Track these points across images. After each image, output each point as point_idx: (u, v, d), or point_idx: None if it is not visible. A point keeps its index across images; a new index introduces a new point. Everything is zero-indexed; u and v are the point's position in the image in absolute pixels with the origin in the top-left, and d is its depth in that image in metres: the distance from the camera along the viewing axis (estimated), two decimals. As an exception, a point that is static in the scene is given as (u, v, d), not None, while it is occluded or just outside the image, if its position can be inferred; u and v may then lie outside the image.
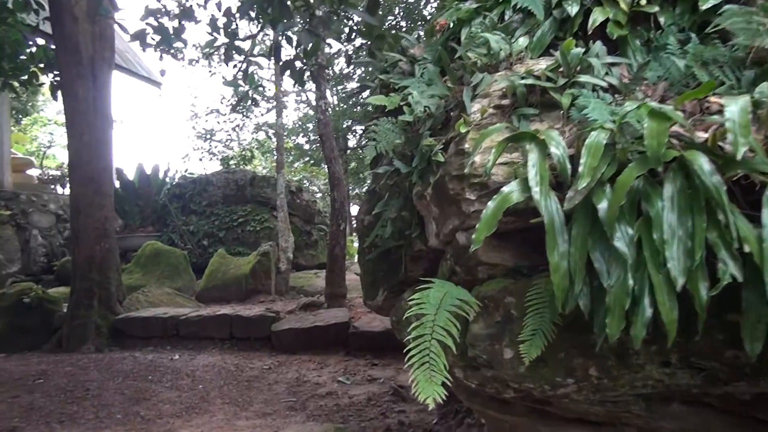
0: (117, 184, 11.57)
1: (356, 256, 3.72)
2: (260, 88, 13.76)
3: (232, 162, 14.79)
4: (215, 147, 14.31)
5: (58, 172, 14.47)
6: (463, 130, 2.20)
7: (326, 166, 7.91)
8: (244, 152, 14.90)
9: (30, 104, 20.35)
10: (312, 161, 20.44)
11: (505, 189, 1.87)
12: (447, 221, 2.31)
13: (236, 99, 12.18)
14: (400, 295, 2.86)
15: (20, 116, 19.67)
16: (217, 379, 5.12)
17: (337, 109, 21.09)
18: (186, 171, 13.36)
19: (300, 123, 18.68)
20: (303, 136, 21.65)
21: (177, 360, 5.83)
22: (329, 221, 7.80)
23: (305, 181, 16.66)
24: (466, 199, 2.16)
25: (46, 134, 22.20)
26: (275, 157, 12.49)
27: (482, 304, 2.15)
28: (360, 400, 4.60)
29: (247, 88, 6.06)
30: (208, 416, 4.23)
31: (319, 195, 19.50)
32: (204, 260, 11.39)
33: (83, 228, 7.15)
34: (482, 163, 2.04)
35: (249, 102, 6.54)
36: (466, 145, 2.19)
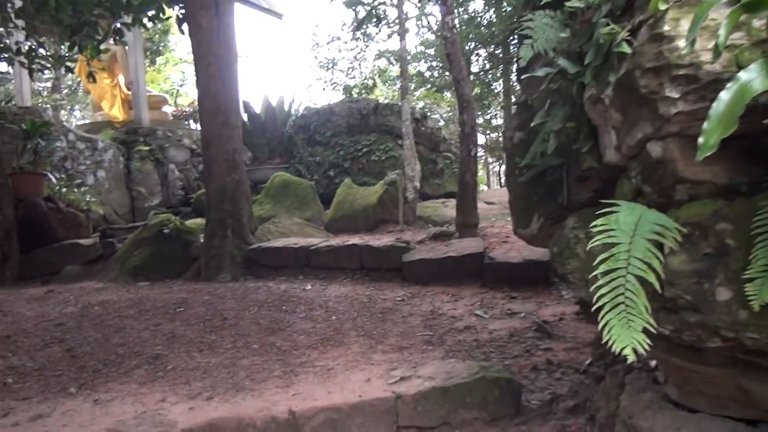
0: (245, 117, 11.72)
1: (495, 182, 3.30)
2: (382, 6, 13.29)
3: (354, 91, 14.58)
4: (337, 77, 14.15)
5: (190, 109, 14.95)
6: (662, 7, 1.67)
7: (454, 89, 7.41)
8: (366, 81, 14.63)
9: (162, 44, 21.14)
10: (434, 88, 19.83)
11: (743, 75, 1.35)
12: (634, 129, 1.82)
13: (357, 22, 11.81)
14: (560, 222, 2.42)
15: (154, 56, 20.51)
16: (350, 311, 4.97)
17: (461, 29, 20.17)
18: (310, 102, 13.29)
19: (422, 48, 18.09)
20: (425, 62, 21.01)
21: (309, 290, 5.77)
22: (458, 147, 7.34)
23: (428, 109, 16.19)
24: (666, 97, 1.66)
25: (178, 73, 23.15)
26: (398, 84, 12.11)
27: (685, 232, 1.67)
28: (501, 336, 4.26)
29: (368, 5, 5.64)
30: (344, 348, 4.07)
31: (441, 123, 19.02)
32: (330, 191, 11.38)
33: (214, 160, 7.20)
34: (696, 48, 1.52)
35: (373, 20, 6.13)
36: (666, 27, 1.66)
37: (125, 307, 5.17)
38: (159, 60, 21.48)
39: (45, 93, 21.87)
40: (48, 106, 16.37)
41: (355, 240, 6.91)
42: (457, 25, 27.82)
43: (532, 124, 2.21)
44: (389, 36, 13.52)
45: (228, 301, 5.31)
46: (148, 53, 19.46)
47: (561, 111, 2.08)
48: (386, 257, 6.19)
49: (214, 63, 7.13)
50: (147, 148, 11.67)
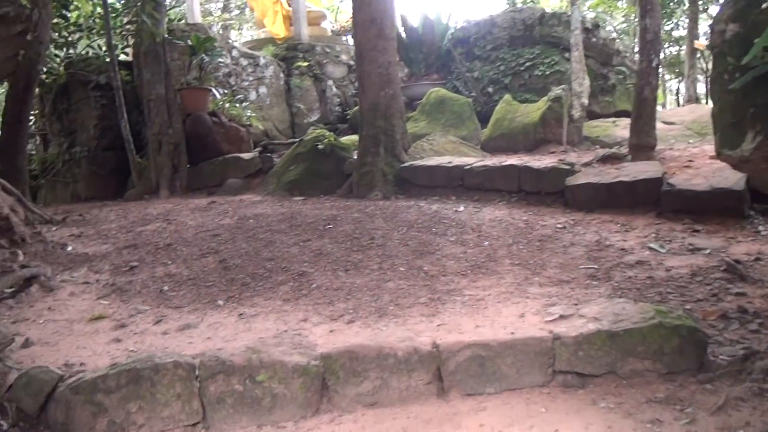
0: (401, 30, 11.32)
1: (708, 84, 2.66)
2: None
3: (518, 0, 13.48)
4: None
5: (350, 24, 14.76)
6: None
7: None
8: (531, -12, 13.48)
9: (324, -41, 20.97)
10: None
11: None
12: None
13: None
14: (790, 139, 1.84)
15: (315, -28, 20.43)
16: (505, 236, 4.58)
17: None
18: (470, 14, 12.51)
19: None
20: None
21: (462, 212, 5.44)
22: (633, 61, 6.44)
23: (600, 20, 14.58)
24: None
25: (340, -11, 23.00)
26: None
27: None
28: (681, 274, 3.67)
29: None
30: (496, 278, 3.74)
31: (614, 36, 17.38)
32: (489, 108, 10.77)
33: (367, 74, 6.95)
34: None
35: None
36: None
37: (277, 222, 5.19)
38: (320, -24, 21.40)
39: (216, 13, 22.83)
40: (218, 25, 17.02)
41: (512, 160, 6.42)
42: None
43: (765, 5, 1.62)
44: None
45: (377, 219, 5.14)
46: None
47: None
48: (547, 180, 5.67)
49: (368, -30, 6.77)
50: (306, 64, 11.73)
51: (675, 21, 27.68)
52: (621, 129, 8.76)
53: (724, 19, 2.06)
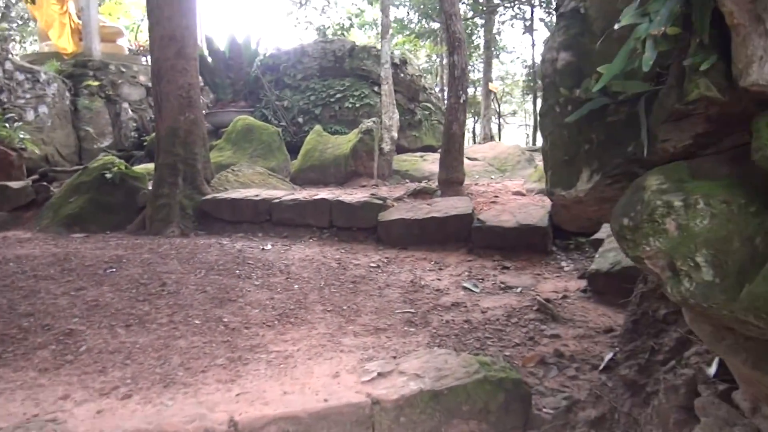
0: (206, 53, 10.67)
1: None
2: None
3: (329, 31, 13.41)
4: (310, 15, 12.89)
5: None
6: None
7: (444, 26, 6.54)
8: (342, 21, 13.45)
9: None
10: (413, 34, 18.79)
11: None
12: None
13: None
14: (626, 181, 1.66)
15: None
16: (316, 278, 4.20)
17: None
18: (280, 42, 12.18)
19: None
20: (403, 7, 19.89)
21: (269, 251, 4.97)
22: (447, 93, 6.54)
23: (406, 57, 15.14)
24: None
25: (140, 9, 21.55)
26: (375, 30, 11.11)
27: None
28: (497, 316, 3.54)
29: None
30: (307, 328, 3.32)
31: (420, 72, 18.03)
32: (299, 139, 10.51)
33: (165, 96, 6.26)
34: None
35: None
36: None
37: (46, 265, 4.32)
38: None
39: (-7, 22, 20.18)
40: (-8, 34, 14.91)
41: (324, 194, 6.10)
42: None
43: (617, 26, 1.41)
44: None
45: (171, 261, 4.49)
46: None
47: (669, 4, 1.27)
48: (360, 215, 5.42)
49: (167, -18, 6.13)
50: (97, 83, 10.55)
51: (472, 64, 29.94)
52: (429, 163, 8.92)
53: (556, 47, 1.87)
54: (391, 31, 9.47)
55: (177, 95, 6.22)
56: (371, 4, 14.98)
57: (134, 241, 5.29)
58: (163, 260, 4.50)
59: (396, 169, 8.63)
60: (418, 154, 9.53)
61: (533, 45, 24.93)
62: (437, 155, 9.25)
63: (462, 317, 3.52)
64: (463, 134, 6.45)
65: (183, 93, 6.25)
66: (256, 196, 5.94)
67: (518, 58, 28.87)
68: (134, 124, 11.04)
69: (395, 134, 8.65)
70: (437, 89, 26.09)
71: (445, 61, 24.87)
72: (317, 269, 4.40)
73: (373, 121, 8.13)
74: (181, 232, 5.63)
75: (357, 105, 10.91)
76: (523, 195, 6.53)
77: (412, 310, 3.63)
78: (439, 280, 4.30)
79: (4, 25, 19.75)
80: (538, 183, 6.85)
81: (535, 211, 4.93)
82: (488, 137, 23.84)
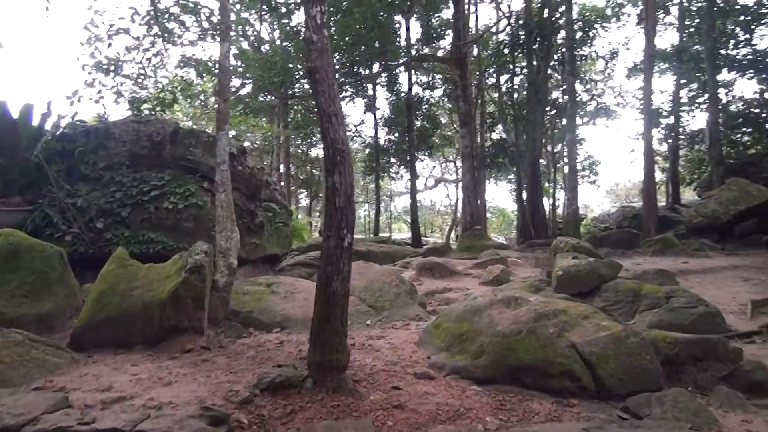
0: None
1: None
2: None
3: (145, 106, 10.69)
4: (122, 84, 10.15)
5: None
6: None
7: (320, 130, 4.44)
8: (163, 94, 10.78)
9: None
10: (248, 110, 16.59)
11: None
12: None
13: (155, 11, 8.26)
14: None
15: None
16: None
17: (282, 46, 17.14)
18: (75, 117, 9.32)
19: (240, 63, 14.74)
20: (239, 78, 17.70)
21: None
22: (324, 232, 4.33)
23: (244, 139, 12.90)
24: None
25: None
26: (215, 106, 8.68)
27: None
28: None
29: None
30: None
31: (263, 165, 15.88)
32: (98, 252, 7.71)
33: None
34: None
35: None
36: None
37: None
38: None
39: None
40: None
41: (115, 409, 3.55)
42: (277, 37, 24.76)
43: None
44: (199, 37, 10.08)
45: None
46: None
47: None
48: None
49: None
50: None
51: (309, 140, 28.14)
52: (281, 298, 6.63)
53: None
54: (230, 121, 7.18)
55: None
56: (200, 77, 12.58)
57: None
58: None
59: (236, 309, 6.20)
60: (264, 282, 7.14)
61: (375, 123, 23.87)
62: (290, 286, 6.98)
63: None
64: (347, 293, 4.30)
65: None
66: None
67: (359, 135, 27.62)
68: None
69: (234, 261, 6.27)
70: (276, 175, 23.92)
71: (282, 139, 22.88)
72: None
73: (205, 251, 5.67)
74: None
75: (180, 206, 8.35)
76: (431, 378, 4.49)
77: None
78: None
79: None
80: (446, 354, 4.85)
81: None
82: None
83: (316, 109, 4.51)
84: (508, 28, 20.51)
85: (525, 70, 20.08)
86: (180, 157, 8.80)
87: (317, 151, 27.99)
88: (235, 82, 18.81)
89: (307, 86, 22.94)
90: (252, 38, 21.86)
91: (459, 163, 36.37)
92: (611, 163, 62.95)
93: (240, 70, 18.40)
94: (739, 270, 8.91)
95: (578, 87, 21.23)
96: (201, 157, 8.80)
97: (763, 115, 19.35)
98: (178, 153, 8.80)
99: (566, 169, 26.12)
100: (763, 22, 19.20)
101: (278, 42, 22.27)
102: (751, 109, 19.90)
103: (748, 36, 19.61)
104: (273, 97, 20.38)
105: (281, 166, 24.17)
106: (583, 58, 20.14)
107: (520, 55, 19.99)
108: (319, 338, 4.25)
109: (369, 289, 6.86)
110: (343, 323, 4.29)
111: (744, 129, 20.00)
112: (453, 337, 4.96)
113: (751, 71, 19.42)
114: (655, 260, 10.41)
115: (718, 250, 11.74)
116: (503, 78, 21.63)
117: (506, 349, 4.46)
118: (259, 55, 19.21)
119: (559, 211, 22.79)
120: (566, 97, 20.04)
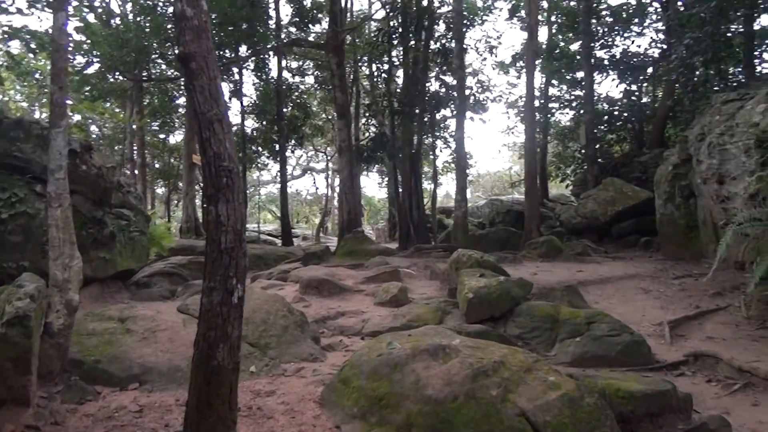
0: None
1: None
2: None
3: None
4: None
5: None
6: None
7: (198, 143, 3.22)
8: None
9: None
10: (99, 94, 14.42)
11: None
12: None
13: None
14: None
15: None
16: None
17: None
18: None
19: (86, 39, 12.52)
20: (84, 56, 15.43)
21: None
22: (205, 269, 3.11)
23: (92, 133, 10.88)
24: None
25: None
26: (51, 94, 6.85)
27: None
28: None
29: None
30: None
31: (112, 164, 14.01)
32: None
33: None
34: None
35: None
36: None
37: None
38: None
39: None
40: None
41: None
42: (130, 13, 22.51)
43: None
44: (31, 3, 8.23)
45: None
46: None
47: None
48: None
49: None
50: None
51: (172, 131, 25.91)
52: (138, 340, 5.27)
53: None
54: (69, 113, 5.64)
55: None
56: (34, 54, 10.52)
57: None
58: None
59: (77, 357, 4.77)
60: (116, 316, 5.69)
61: (243, 110, 22.16)
62: (151, 321, 5.63)
63: None
64: (237, 365, 3.14)
65: None
66: None
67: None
68: None
69: (75, 296, 4.84)
70: (129, 165, 21.54)
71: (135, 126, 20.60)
72: None
73: (34, 290, 4.18)
74: None
75: (4, 215, 6.63)
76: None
77: None
78: None
79: None
80: (362, 424, 3.84)
81: None
82: (192, 220, 20.05)
83: (193, 111, 3.28)
84: (387, 14, 19.77)
85: (402, 60, 19.42)
86: (4, 154, 7.02)
87: (176, 138, 25.76)
88: (80, 60, 16.41)
89: (165, 67, 20.79)
90: (100, 10, 19.41)
91: (329, 153, 35.37)
92: (475, 154, 65.13)
93: (86, 47, 16.07)
94: (636, 280, 8.71)
95: (448, 79, 20.96)
96: (33, 153, 7.09)
97: (625, 114, 20.11)
98: (2, 149, 7.02)
99: (440, 167, 26.02)
100: (627, 24, 19.92)
101: (131, 16, 19.97)
102: (613, 109, 20.65)
103: (610, 39, 20.31)
104: (125, 79, 18.20)
105: (135, 156, 21.89)
106: (465, 50, 19.87)
107: (397, 45, 19.32)
108: (199, 420, 3.07)
109: (251, 322, 5.68)
110: (232, 407, 3.14)
111: (606, 127, 20.72)
112: (368, 401, 3.96)
113: (614, 73, 20.13)
114: (547, 267, 10.07)
115: (602, 254, 11.73)
116: (380, 68, 20.87)
117: (441, 422, 3.54)
118: (108, 30, 16.98)
119: (429, 205, 22.54)
120: (443, 89, 19.64)
